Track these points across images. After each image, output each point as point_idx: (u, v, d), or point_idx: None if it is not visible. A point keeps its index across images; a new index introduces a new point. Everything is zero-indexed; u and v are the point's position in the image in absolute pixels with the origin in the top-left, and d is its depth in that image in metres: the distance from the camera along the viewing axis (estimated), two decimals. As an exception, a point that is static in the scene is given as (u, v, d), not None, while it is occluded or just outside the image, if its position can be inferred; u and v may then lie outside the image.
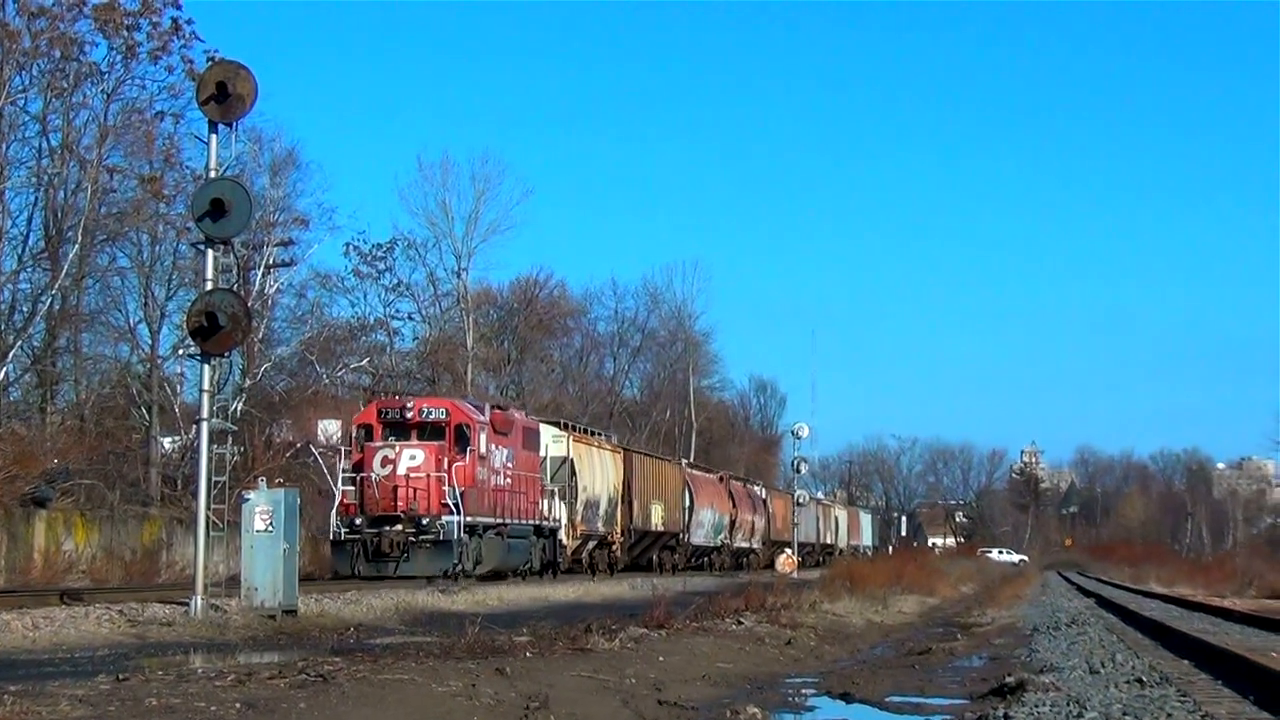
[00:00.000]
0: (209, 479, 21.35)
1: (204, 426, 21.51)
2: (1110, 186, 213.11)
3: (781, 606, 25.21)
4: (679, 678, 15.16)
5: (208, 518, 21.36)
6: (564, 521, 39.70)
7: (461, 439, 32.15)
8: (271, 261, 47.66)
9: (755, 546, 66.88)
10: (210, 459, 21.47)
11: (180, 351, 41.71)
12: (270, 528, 21.82)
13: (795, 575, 51.63)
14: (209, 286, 21.56)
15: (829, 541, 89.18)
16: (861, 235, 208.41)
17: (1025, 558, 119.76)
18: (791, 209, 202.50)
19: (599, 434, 47.95)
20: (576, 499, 41.22)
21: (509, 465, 34.56)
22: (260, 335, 45.85)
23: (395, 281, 58.71)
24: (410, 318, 60.08)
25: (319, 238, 50.84)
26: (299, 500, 22.82)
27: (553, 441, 39.76)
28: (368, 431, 32.23)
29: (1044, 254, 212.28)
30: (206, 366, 21.77)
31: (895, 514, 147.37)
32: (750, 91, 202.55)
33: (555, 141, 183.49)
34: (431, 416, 32.29)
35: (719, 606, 23.31)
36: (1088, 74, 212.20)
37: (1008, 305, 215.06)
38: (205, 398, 21.67)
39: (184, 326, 25.46)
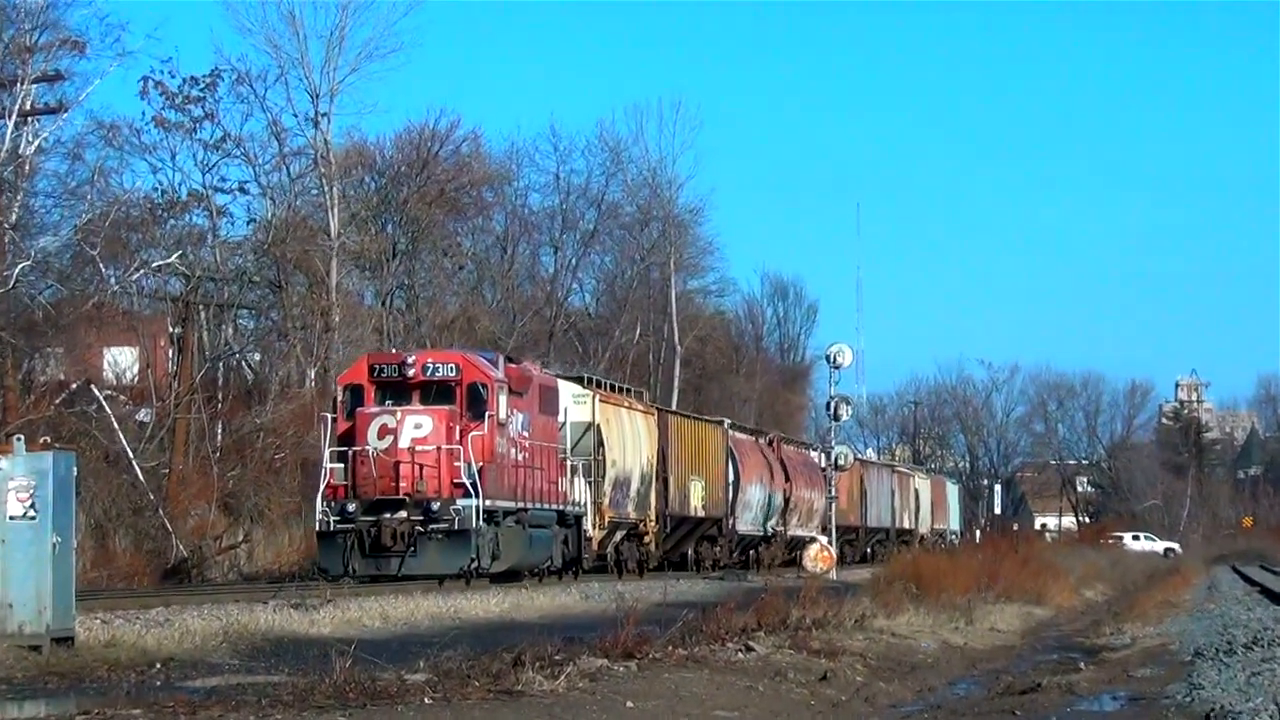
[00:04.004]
0: (-64, 439, 21.25)
1: (-73, 359, 21.39)
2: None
3: (813, 624, 25.34)
4: (657, 735, 15.18)
5: (-65, 498, 21.26)
6: (589, 505, 44.33)
7: (476, 401, 37.17)
8: (30, 105, 47.31)
9: (814, 534, 67.55)
10: (-63, 408, 21.36)
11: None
12: (33, 512, 21.70)
13: (834, 576, 51.85)
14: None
15: (907, 525, 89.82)
16: (929, 71, 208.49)
17: (1176, 545, 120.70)
18: (821, 30, 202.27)
19: (629, 390, 52.48)
20: (604, 477, 45.91)
21: (525, 434, 39.01)
22: (14, 219, 45.62)
23: (220, 135, 58.44)
24: (243, 190, 59.89)
25: (102, 69, 50.60)
26: (75, 469, 22.72)
27: (574, 403, 44.61)
28: (357, 393, 37.07)
29: (1197, 103, 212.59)
30: (-71, 266, 21.64)
31: (985, 481, 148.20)
32: None
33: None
34: (439, 374, 37.22)
35: (718, 625, 23.38)
36: None
37: (1150, 175, 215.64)
38: (-72, 314, 21.54)
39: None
